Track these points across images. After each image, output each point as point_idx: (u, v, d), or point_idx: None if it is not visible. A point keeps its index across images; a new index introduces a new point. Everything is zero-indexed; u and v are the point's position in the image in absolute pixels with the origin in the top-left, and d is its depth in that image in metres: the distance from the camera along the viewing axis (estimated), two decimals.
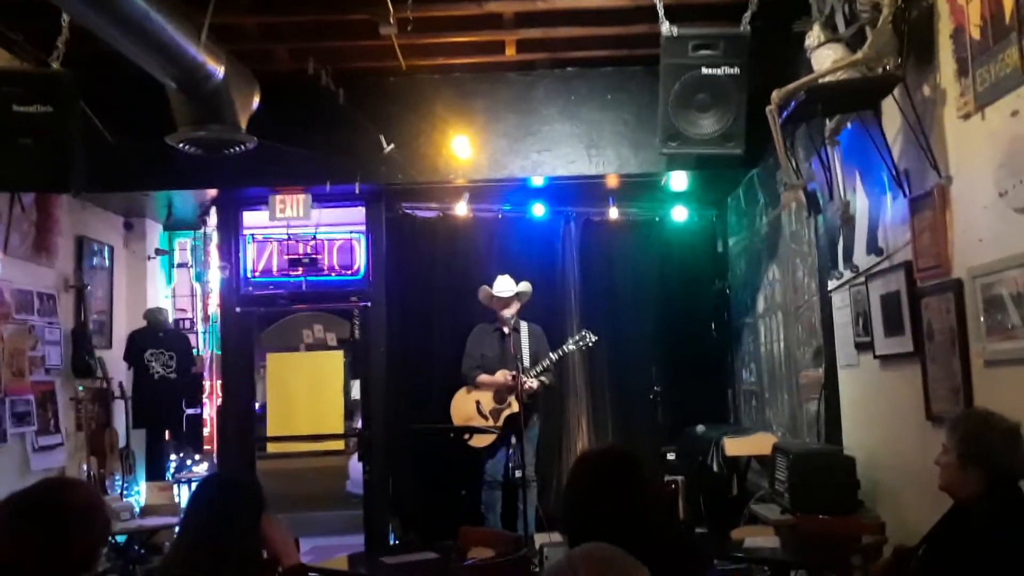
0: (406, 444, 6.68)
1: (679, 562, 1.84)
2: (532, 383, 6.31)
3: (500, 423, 6.36)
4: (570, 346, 6.47)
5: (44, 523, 1.96)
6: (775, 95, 3.75)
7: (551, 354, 6.42)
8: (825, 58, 3.69)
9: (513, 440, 6.21)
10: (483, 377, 6.48)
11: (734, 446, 5.67)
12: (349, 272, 6.91)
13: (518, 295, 6.55)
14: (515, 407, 6.18)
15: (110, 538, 5.72)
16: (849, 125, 4.29)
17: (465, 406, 6.50)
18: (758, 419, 6.48)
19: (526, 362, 6.39)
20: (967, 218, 3.31)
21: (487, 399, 6.45)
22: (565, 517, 2.01)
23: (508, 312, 6.50)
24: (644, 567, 1.38)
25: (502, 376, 6.39)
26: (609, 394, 7.18)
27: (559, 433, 7.02)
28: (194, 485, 2.61)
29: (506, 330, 6.51)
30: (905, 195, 3.74)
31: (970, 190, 3.28)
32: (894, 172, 3.78)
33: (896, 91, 3.65)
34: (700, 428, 6.28)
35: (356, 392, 8.06)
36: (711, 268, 7.42)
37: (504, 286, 6.54)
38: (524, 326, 6.59)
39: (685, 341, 7.18)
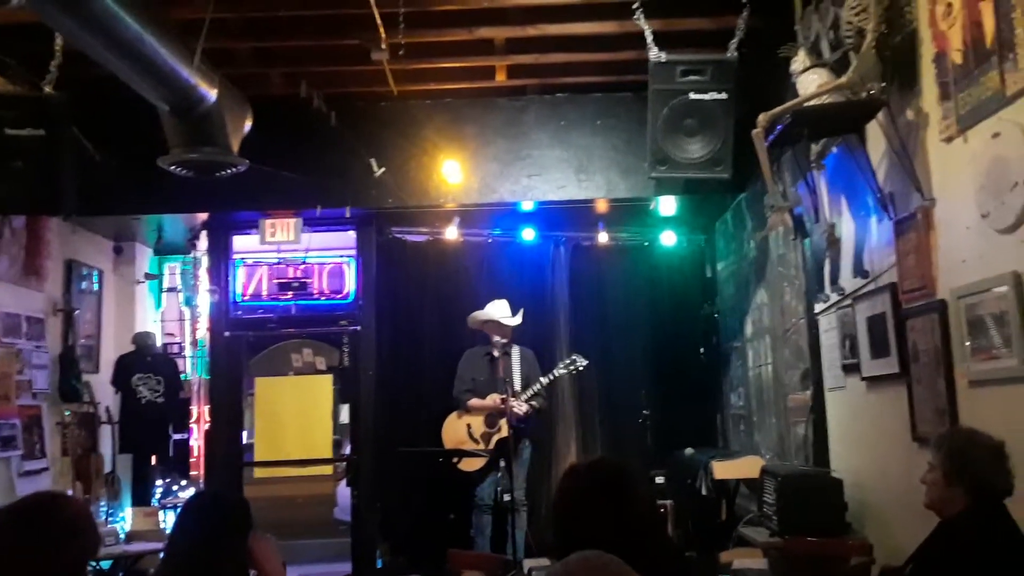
0: (395, 469, 6.65)
1: (669, 568, 1.83)
2: (521, 407, 6.30)
3: (491, 447, 6.36)
4: (560, 370, 6.49)
5: (34, 534, 1.97)
6: (761, 118, 3.80)
7: (541, 378, 6.43)
8: (810, 83, 3.75)
9: (503, 464, 6.20)
10: (474, 401, 6.47)
11: (723, 469, 5.68)
12: (339, 296, 6.94)
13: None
14: (505, 431, 6.18)
15: (95, 563, 5.67)
16: (835, 149, 4.34)
17: (456, 430, 6.49)
18: (747, 442, 6.48)
19: (517, 386, 6.40)
20: (951, 239, 3.35)
21: (478, 423, 6.44)
22: (556, 529, 1.97)
23: (503, 337, 6.51)
24: None
25: (492, 400, 6.39)
26: (598, 418, 7.18)
27: (548, 457, 7.01)
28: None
29: (496, 353, 6.52)
30: (890, 217, 3.78)
31: (953, 212, 3.32)
32: (879, 195, 3.82)
33: (880, 115, 3.70)
34: (689, 451, 6.28)
35: (345, 416, 8.03)
36: (700, 292, 7.44)
37: (504, 312, 6.54)
38: (516, 350, 6.59)
39: (674, 365, 7.21)
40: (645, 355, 7.24)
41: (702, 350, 7.37)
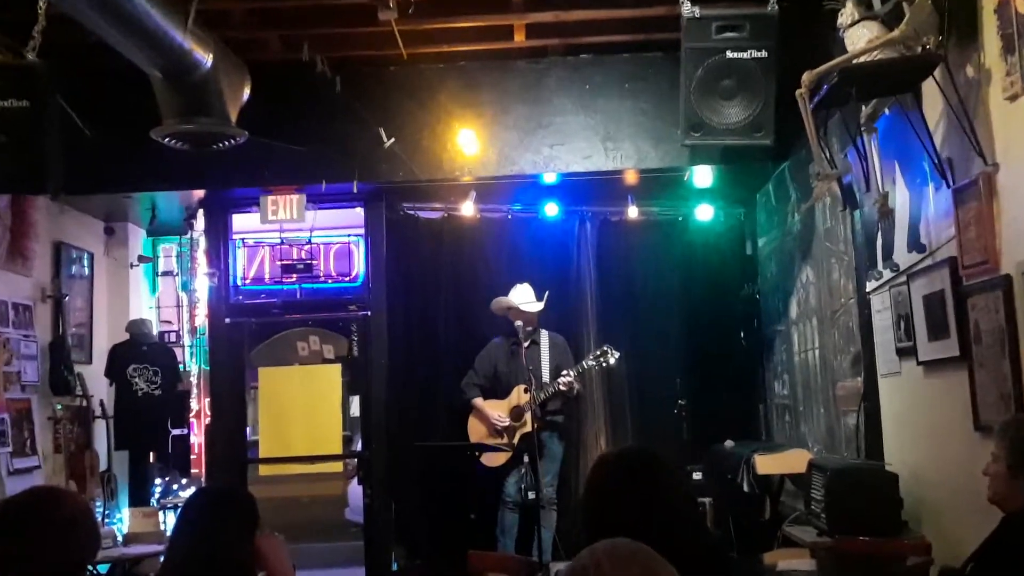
0: (410, 465, 6.72)
1: (707, 565, 1.86)
2: (544, 394, 6.32)
3: (515, 441, 6.44)
4: (590, 362, 6.52)
5: (32, 532, 1.99)
6: (806, 77, 3.77)
7: (569, 371, 6.43)
8: (859, 37, 3.71)
9: (526, 459, 6.28)
10: (479, 402, 6.55)
11: (766, 464, 5.69)
12: (347, 279, 6.97)
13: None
14: (530, 425, 6.23)
15: (91, 567, 5.75)
16: (887, 110, 4.30)
17: (482, 424, 6.59)
18: (792, 434, 6.50)
19: (545, 376, 6.45)
20: (1016, 208, 3.31)
21: (504, 416, 6.52)
22: (584, 521, 2.00)
23: (527, 323, 6.50)
24: (670, 565, 1.41)
25: (498, 411, 6.44)
26: (629, 409, 7.21)
27: (576, 452, 7.06)
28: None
29: (523, 341, 6.50)
30: (948, 185, 3.75)
31: (1018, 177, 3.28)
32: (936, 160, 3.79)
33: (937, 72, 3.66)
34: (729, 444, 6.32)
35: (355, 409, 8.08)
36: (740, 271, 7.44)
37: (527, 297, 6.56)
38: (544, 336, 6.64)
39: (712, 351, 7.22)
40: (680, 340, 7.25)
41: (742, 334, 7.37)
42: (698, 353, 7.19)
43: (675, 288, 7.34)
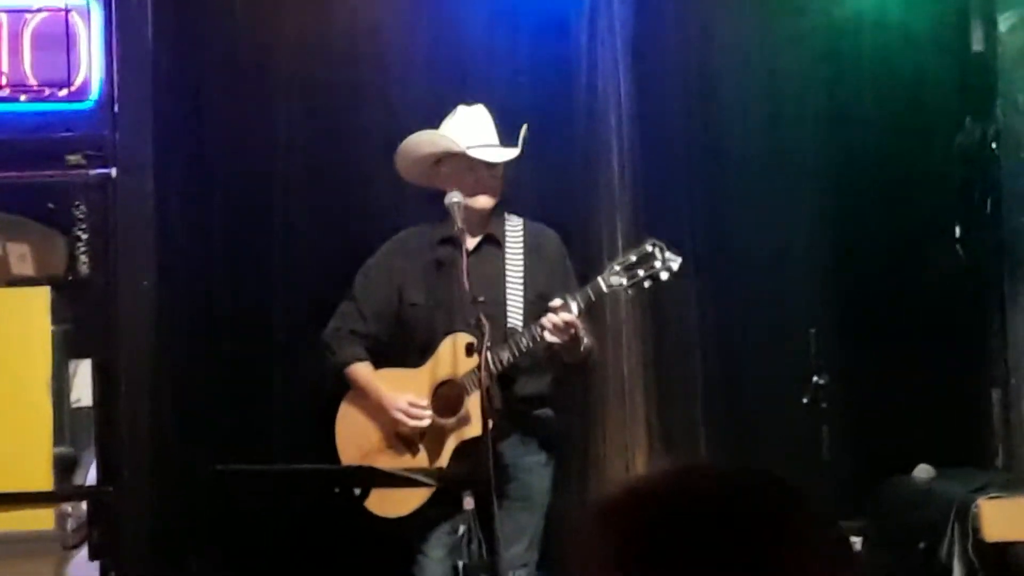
0: (207, 518, 7.00)
1: None
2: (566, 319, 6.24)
3: (441, 462, 6.42)
4: (615, 278, 6.35)
5: None
6: None
7: (569, 302, 6.29)
8: None
9: (469, 504, 6.17)
10: (364, 373, 6.59)
11: (1002, 518, 6.17)
12: (61, 93, 7.08)
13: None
14: (478, 424, 6.16)
15: None
16: None
17: (362, 423, 6.64)
18: None
19: (515, 318, 6.53)
20: None
21: (421, 403, 6.50)
22: None
23: (483, 194, 6.55)
24: None
25: (408, 392, 6.49)
26: (703, 393, 7.50)
27: (582, 484, 7.34)
28: None
29: (470, 243, 6.49)
30: None
31: None
32: None
33: None
34: (923, 474, 6.87)
35: (84, 392, 7.91)
36: (953, 91, 7.66)
37: (480, 134, 6.61)
38: (518, 228, 6.70)
39: (887, 270, 7.50)
40: (818, 245, 7.61)
41: (958, 232, 7.49)
42: (856, 275, 7.53)
43: (809, 127, 7.60)
